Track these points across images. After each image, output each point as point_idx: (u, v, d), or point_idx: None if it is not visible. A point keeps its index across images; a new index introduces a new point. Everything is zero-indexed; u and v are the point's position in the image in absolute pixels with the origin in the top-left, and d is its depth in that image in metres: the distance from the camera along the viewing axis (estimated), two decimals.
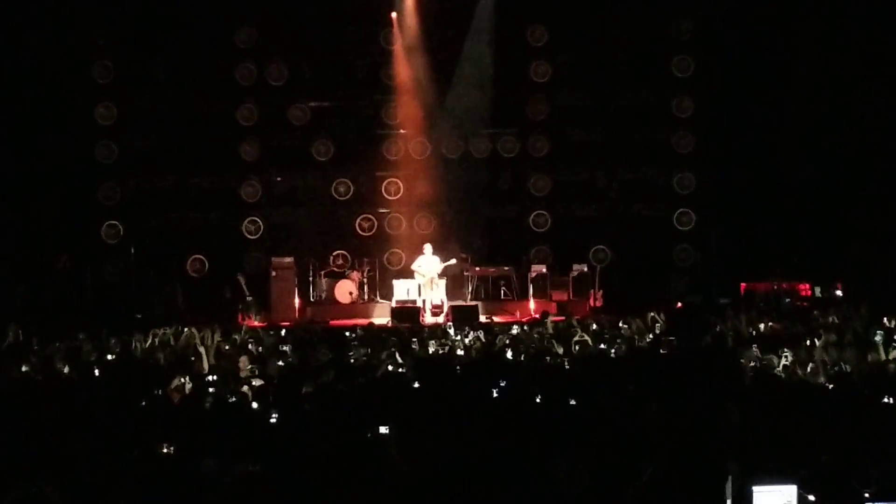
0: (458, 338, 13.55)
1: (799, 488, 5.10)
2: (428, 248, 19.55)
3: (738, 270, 19.95)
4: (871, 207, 19.74)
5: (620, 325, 14.38)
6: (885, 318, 13.13)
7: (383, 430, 6.77)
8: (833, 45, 19.81)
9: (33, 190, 20.35)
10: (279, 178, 21.98)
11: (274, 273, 19.66)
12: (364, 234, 21.65)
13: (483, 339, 12.97)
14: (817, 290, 19.02)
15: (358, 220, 21.66)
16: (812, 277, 19.31)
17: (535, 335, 13.44)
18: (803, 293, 19.02)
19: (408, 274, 19.90)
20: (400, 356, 10.94)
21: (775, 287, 19.08)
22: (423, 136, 21.71)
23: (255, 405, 8.30)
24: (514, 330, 14.24)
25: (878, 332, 10.93)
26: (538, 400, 8.25)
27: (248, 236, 21.40)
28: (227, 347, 12.36)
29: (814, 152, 20.24)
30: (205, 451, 6.19)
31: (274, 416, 7.49)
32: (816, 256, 19.59)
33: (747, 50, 20.90)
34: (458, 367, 10.37)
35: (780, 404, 7.50)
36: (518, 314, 18.89)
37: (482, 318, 17.78)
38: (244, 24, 21.11)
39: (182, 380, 9.08)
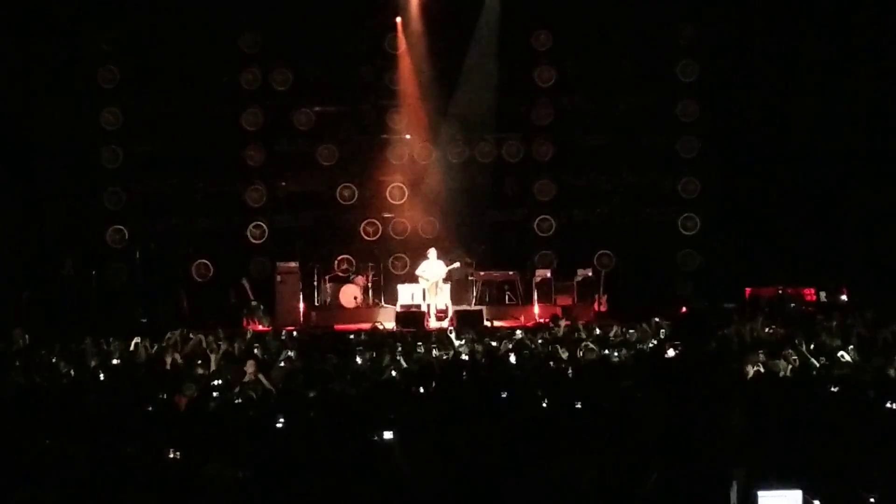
0: (462, 342, 13.53)
1: (804, 493, 5.10)
2: (432, 252, 19.56)
3: (743, 275, 19.90)
4: (876, 212, 19.71)
5: (625, 329, 14.35)
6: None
7: (388, 435, 6.78)
8: (836, 49, 19.80)
9: (39, 194, 20.39)
10: (284, 183, 21.99)
11: (279, 278, 19.67)
12: (368, 238, 21.64)
13: (487, 346, 12.94)
14: (822, 295, 18.98)
15: (362, 225, 21.65)
16: (817, 282, 19.26)
17: (540, 340, 13.42)
18: (808, 298, 18.99)
19: (412, 278, 19.91)
20: (404, 361, 10.95)
21: (780, 292, 19.04)
22: (427, 140, 21.72)
23: (260, 410, 8.30)
24: (519, 334, 14.22)
25: (850, 347, 10.88)
26: (543, 405, 8.26)
27: (253, 241, 21.42)
28: (232, 352, 12.36)
29: (818, 157, 20.21)
30: (210, 456, 6.21)
31: (279, 421, 7.50)
32: (821, 261, 19.55)
33: (751, 54, 20.88)
34: (462, 373, 10.36)
35: (785, 410, 7.49)
36: (523, 319, 18.86)
37: (486, 323, 17.76)
38: (249, 29, 21.14)
39: (191, 386, 9.09)
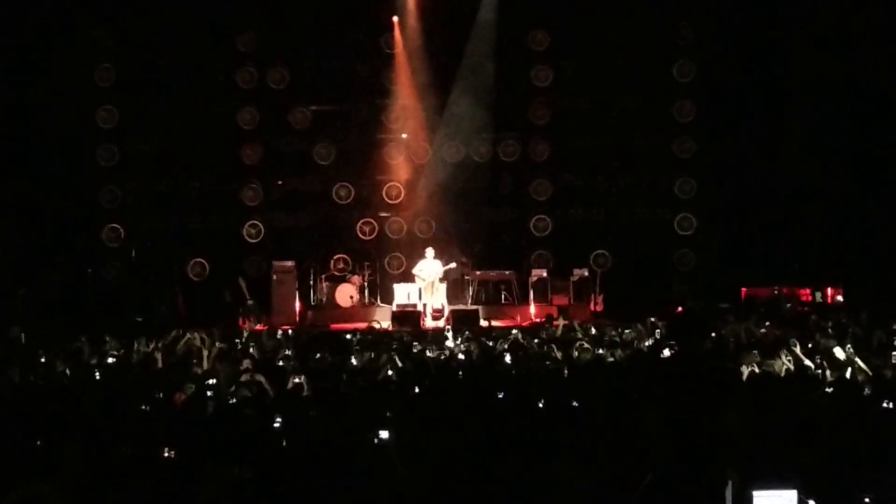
0: (458, 342, 13.51)
1: (799, 493, 5.10)
2: (429, 251, 19.56)
3: (738, 275, 19.94)
4: (872, 213, 19.73)
5: (621, 329, 14.35)
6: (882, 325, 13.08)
7: (384, 434, 6.77)
8: (833, 50, 19.82)
9: (35, 193, 20.36)
10: (280, 182, 21.99)
11: (275, 277, 19.67)
12: (365, 237, 21.65)
13: (483, 345, 12.92)
14: (818, 296, 19.01)
15: (359, 224, 21.66)
16: (812, 283, 19.30)
17: (536, 340, 13.42)
18: (804, 298, 19.02)
19: (409, 278, 19.91)
20: (400, 360, 10.93)
21: (776, 292, 19.08)
22: (424, 139, 21.73)
23: (256, 410, 8.28)
24: (515, 334, 14.20)
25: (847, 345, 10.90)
26: (539, 405, 8.25)
27: (249, 240, 21.41)
28: (228, 351, 12.34)
29: (814, 157, 20.24)
30: (206, 456, 6.20)
31: (276, 420, 7.49)
32: (817, 262, 19.58)
33: (748, 54, 20.90)
34: (459, 372, 10.35)
35: (781, 409, 7.50)
36: (519, 318, 18.88)
37: (482, 323, 17.76)
38: (245, 28, 21.14)
39: (191, 386, 9.07)
